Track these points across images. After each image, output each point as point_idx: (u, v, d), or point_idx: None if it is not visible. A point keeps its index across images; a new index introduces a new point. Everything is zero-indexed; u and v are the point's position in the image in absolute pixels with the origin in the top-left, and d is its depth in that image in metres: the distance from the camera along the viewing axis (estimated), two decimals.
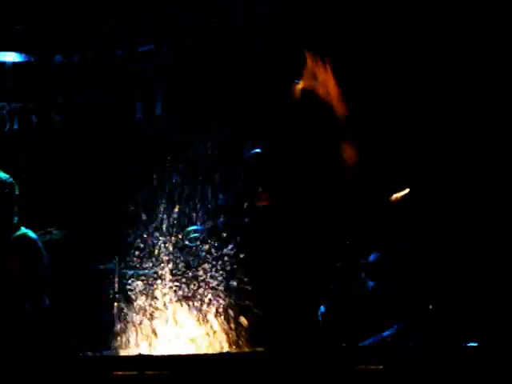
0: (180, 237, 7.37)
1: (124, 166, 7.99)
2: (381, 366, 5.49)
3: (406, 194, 7.67)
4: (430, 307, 6.59)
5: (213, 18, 7.80)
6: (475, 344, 5.89)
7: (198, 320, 7.03)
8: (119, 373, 5.64)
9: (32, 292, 5.24)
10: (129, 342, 6.72)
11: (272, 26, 7.68)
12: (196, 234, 7.34)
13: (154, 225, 7.46)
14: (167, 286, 7.23)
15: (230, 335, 6.97)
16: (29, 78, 8.11)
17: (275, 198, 7.55)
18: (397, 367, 5.58)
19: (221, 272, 7.28)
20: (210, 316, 7.10)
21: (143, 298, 7.15)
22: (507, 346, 5.78)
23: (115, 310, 6.96)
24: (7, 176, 5.47)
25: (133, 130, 8.18)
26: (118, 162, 8.02)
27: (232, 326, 7.06)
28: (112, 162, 8.03)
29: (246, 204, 7.44)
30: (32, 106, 8.13)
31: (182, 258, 7.29)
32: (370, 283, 6.83)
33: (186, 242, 7.30)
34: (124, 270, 7.18)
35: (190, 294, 7.13)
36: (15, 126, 8.00)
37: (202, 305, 7.11)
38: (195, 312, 7.05)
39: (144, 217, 7.48)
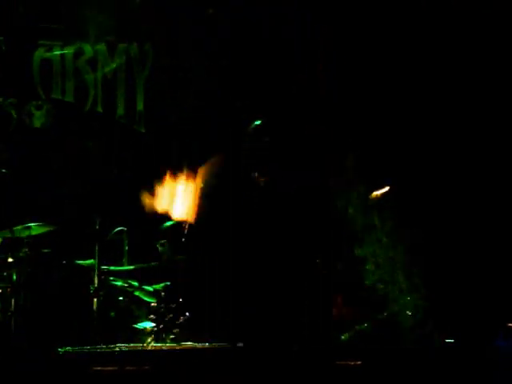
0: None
1: (106, 161, 8.00)
2: (359, 362, 5.54)
3: (385, 192, 7.71)
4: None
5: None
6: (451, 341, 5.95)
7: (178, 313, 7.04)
8: (99, 368, 5.65)
9: None
10: (109, 337, 6.72)
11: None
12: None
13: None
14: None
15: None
16: (9, 72, 8.09)
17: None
18: (375, 363, 5.63)
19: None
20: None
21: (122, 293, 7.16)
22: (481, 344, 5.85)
23: (95, 306, 6.95)
24: None
25: (113, 126, 8.19)
26: (100, 157, 8.03)
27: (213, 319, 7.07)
28: (94, 157, 8.03)
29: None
30: (12, 101, 8.11)
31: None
32: None
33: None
34: (104, 266, 7.18)
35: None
36: None
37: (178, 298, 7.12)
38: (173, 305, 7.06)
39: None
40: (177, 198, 7.50)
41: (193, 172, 7.64)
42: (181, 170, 7.68)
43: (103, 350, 6.24)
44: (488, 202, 7.50)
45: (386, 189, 7.72)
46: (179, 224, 7.34)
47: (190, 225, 7.30)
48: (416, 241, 7.27)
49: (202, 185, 7.49)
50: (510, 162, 7.54)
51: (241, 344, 5.99)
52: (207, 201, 7.48)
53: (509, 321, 6.56)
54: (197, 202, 7.42)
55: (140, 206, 7.57)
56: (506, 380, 5.92)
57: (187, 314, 6.88)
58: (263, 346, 5.82)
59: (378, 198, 7.66)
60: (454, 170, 7.56)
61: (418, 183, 7.51)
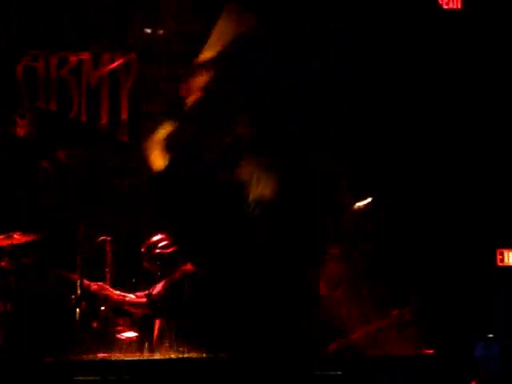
0: None
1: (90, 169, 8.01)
2: (339, 372, 5.56)
3: (368, 204, 7.75)
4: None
5: None
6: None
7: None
8: (81, 377, 5.66)
9: None
10: (91, 346, 6.71)
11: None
12: None
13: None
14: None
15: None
16: None
17: None
18: (355, 373, 5.65)
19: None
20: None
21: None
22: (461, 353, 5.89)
23: (77, 315, 6.95)
24: None
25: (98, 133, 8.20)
26: (86, 164, 8.04)
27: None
28: (83, 165, 8.04)
29: None
30: None
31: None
32: None
33: None
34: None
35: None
36: None
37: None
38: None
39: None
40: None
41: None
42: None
43: (85, 360, 6.24)
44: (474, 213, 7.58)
45: (369, 200, 7.76)
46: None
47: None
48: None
49: None
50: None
51: (223, 355, 6.00)
52: None
53: (489, 331, 6.61)
54: None
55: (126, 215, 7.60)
56: None
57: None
58: (243, 356, 5.83)
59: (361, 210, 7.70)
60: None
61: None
